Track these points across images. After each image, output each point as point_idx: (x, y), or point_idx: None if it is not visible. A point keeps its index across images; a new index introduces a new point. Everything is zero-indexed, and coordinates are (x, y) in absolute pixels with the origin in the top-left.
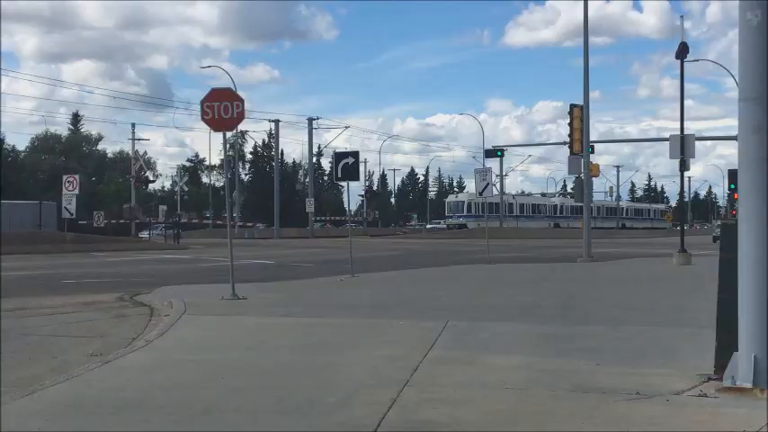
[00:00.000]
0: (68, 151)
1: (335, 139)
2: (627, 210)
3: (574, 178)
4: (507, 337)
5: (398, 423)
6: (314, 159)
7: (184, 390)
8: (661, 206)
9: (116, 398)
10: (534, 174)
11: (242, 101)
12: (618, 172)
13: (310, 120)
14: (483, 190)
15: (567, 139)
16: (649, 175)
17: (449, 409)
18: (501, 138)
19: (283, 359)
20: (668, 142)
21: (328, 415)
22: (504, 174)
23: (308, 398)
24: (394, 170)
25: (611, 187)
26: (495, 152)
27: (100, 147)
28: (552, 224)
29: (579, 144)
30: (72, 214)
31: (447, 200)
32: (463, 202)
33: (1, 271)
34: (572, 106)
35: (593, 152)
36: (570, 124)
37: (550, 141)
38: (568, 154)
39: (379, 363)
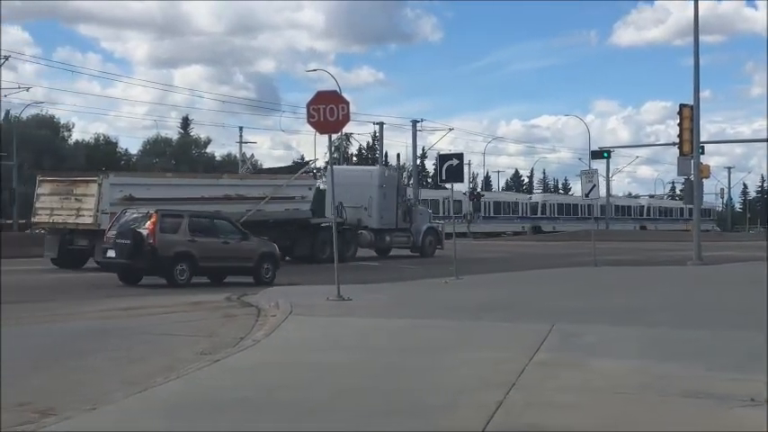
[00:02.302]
0: (178, 154)
1: (439, 141)
2: (650, 209)
3: (683, 180)
4: (614, 341)
5: (505, 426)
6: (418, 161)
7: (292, 390)
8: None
9: (225, 397)
10: (642, 175)
11: (347, 103)
12: (729, 173)
13: (414, 122)
14: (589, 192)
15: (677, 140)
16: (762, 177)
17: (556, 413)
18: (607, 139)
19: (389, 361)
20: None
21: (435, 417)
22: (610, 175)
23: (414, 400)
24: (498, 172)
25: (722, 189)
26: (601, 153)
27: (208, 150)
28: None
29: (689, 145)
30: None
31: None
32: None
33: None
34: (681, 106)
35: (703, 153)
36: (680, 125)
37: (659, 142)
38: (678, 155)
39: (485, 365)
